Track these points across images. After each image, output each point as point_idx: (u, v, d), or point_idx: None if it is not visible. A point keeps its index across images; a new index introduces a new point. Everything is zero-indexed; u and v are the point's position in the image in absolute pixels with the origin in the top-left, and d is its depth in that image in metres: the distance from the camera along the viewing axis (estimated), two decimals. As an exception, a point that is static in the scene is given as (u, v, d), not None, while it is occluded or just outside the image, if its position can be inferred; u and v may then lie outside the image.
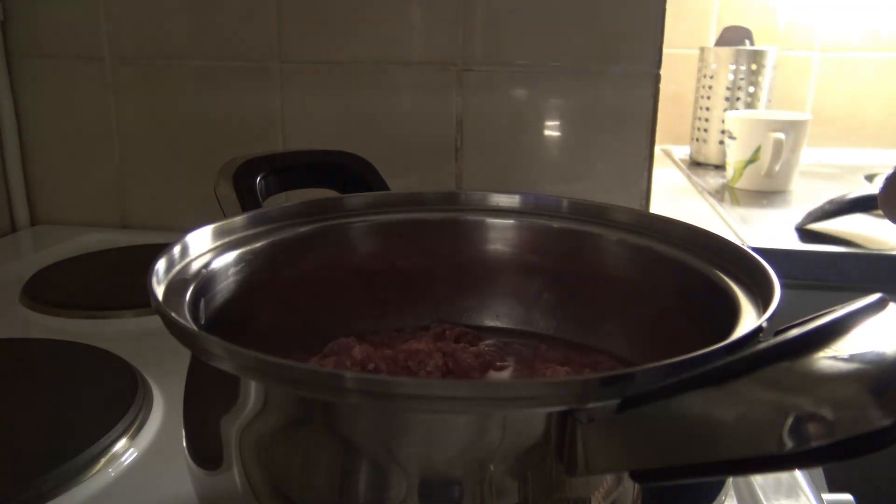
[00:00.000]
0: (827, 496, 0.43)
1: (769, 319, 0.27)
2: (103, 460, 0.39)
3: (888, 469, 0.74)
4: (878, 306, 0.23)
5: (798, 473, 0.40)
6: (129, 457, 0.40)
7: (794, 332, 0.21)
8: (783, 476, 0.39)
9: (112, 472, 0.39)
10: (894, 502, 0.75)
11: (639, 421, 0.22)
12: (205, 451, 0.29)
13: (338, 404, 0.24)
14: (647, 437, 0.22)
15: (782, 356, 0.20)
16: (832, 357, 0.20)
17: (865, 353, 0.20)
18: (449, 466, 0.24)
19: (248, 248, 0.37)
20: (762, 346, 0.21)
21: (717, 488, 0.27)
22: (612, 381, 0.22)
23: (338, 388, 0.23)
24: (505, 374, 0.38)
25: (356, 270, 0.42)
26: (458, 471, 0.24)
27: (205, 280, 0.34)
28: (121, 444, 0.40)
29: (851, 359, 0.20)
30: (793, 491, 0.38)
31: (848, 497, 0.44)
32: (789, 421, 0.19)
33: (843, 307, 0.22)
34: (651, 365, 0.22)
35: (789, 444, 0.19)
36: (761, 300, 0.30)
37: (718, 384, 0.21)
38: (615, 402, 0.22)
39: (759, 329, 0.27)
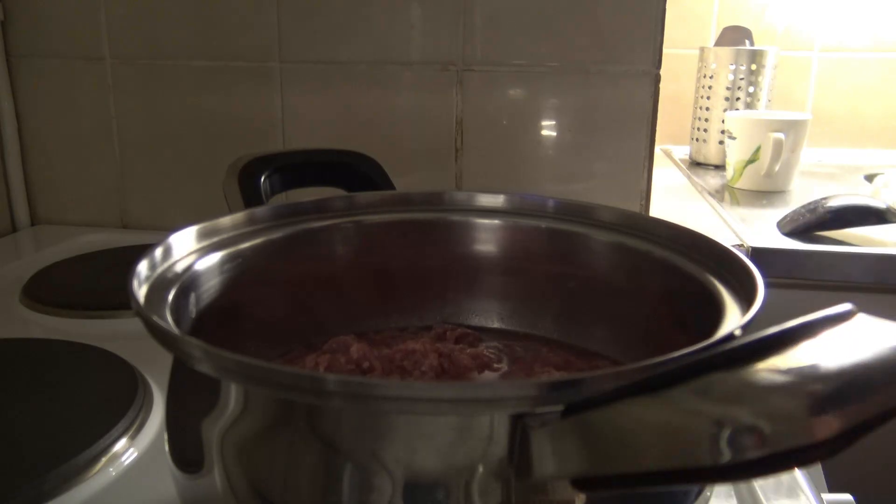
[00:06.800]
0: (827, 496, 0.43)
1: (744, 326, 0.27)
2: (103, 460, 0.39)
3: (888, 469, 0.74)
4: (842, 317, 0.22)
5: (798, 473, 0.40)
6: (129, 457, 0.40)
7: (738, 341, 0.20)
8: (783, 476, 0.39)
9: (112, 471, 0.39)
10: (894, 502, 0.75)
11: (581, 428, 0.21)
12: (186, 453, 0.28)
13: (317, 406, 0.24)
14: (586, 444, 0.21)
15: (717, 366, 0.20)
16: (771, 369, 0.19)
17: (803, 367, 0.19)
18: (409, 468, 0.24)
19: (238, 247, 0.37)
20: (699, 355, 0.20)
21: (688, 498, 0.27)
22: (556, 387, 0.22)
23: (312, 390, 0.23)
24: (498, 376, 0.38)
25: (364, 268, 0.42)
26: (422, 473, 0.24)
27: (194, 277, 0.34)
28: (121, 444, 0.40)
29: (789, 372, 0.19)
30: (793, 491, 0.38)
31: (848, 497, 0.44)
32: (723, 432, 0.19)
33: (809, 316, 0.21)
34: (595, 372, 0.22)
35: (723, 455, 0.19)
36: (746, 302, 0.30)
37: (652, 393, 0.20)
38: (561, 408, 0.22)
39: (728, 337, 0.26)
